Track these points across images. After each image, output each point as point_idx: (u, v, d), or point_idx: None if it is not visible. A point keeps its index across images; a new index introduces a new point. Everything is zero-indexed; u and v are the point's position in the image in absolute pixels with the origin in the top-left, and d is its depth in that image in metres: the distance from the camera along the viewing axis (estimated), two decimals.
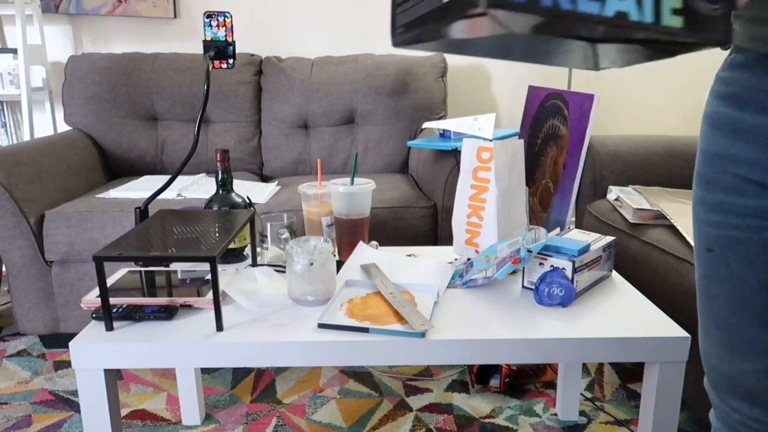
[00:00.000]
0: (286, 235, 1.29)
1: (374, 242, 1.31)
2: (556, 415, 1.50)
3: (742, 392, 0.65)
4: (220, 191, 1.25)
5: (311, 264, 1.02)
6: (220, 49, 1.33)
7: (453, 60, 2.58)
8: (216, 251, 0.91)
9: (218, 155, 1.23)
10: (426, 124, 1.96)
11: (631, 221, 1.61)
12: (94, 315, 0.98)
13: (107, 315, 0.94)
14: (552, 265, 1.06)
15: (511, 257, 1.04)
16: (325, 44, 2.53)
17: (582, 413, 1.50)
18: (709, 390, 0.71)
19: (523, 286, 1.12)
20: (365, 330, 0.94)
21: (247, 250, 1.27)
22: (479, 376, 1.61)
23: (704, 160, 0.63)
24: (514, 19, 0.39)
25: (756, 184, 0.58)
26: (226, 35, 1.32)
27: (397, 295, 1.04)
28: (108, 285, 1.09)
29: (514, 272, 1.18)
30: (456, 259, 1.26)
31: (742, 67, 0.58)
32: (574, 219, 1.97)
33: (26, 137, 2.24)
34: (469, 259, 1.21)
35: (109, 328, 0.95)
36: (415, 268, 1.20)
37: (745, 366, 0.63)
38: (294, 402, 1.55)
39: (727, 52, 0.64)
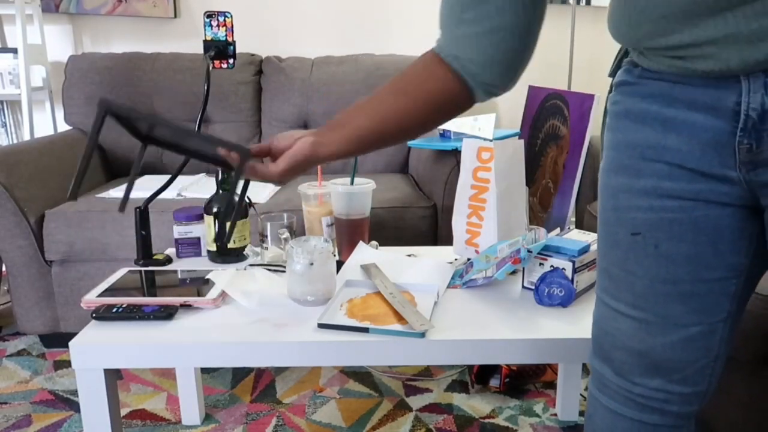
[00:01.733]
0: (286, 235, 1.29)
1: (374, 242, 1.31)
2: (555, 415, 1.50)
3: (647, 365, 0.68)
4: (220, 191, 1.25)
5: (311, 264, 1.02)
6: (220, 49, 1.33)
7: None
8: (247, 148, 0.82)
9: None
10: None
11: None
12: (94, 315, 0.98)
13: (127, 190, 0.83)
14: (552, 266, 1.06)
15: (511, 257, 1.04)
16: (325, 44, 2.53)
17: (582, 413, 1.50)
18: (605, 369, 0.73)
19: (523, 286, 1.12)
20: (365, 330, 0.94)
21: (248, 250, 1.27)
22: (479, 377, 1.61)
23: (629, 151, 0.65)
24: None
25: (689, 170, 0.61)
26: (226, 35, 1.32)
27: (397, 295, 1.04)
28: (108, 285, 1.09)
29: (514, 272, 1.18)
30: (456, 259, 1.26)
31: (658, 80, 0.62)
32: (574, 219, 1.97)
33: (26, 137, 2.24)
34: (469, 259, 1.21)
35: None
36: (415, 268, 1.20)
37: (657, 340, 0.67)
38: (294, 402, 1.55)
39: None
